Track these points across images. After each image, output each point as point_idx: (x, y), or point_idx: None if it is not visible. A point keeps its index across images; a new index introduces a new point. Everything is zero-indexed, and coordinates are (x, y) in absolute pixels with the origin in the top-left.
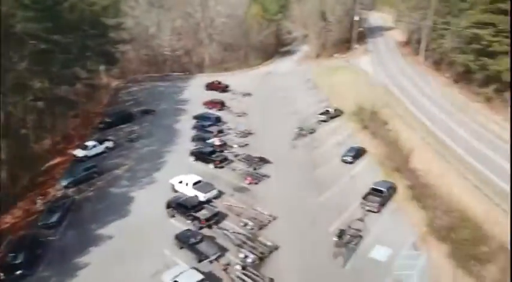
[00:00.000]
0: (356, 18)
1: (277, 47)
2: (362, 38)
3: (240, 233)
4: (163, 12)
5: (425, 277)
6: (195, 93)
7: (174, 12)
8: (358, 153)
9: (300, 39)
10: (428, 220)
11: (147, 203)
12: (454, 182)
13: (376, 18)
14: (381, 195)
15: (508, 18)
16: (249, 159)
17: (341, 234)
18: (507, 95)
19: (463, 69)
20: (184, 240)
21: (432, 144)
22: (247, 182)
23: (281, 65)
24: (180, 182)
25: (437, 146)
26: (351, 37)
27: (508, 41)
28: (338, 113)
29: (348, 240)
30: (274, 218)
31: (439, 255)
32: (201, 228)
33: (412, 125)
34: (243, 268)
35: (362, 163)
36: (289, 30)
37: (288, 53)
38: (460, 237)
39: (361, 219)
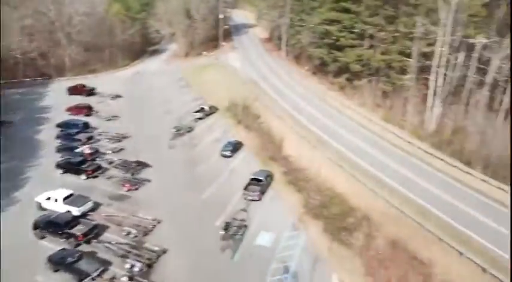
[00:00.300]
0: (221, 16)
1: (144, 46)
2: (228, 35)
3: (123, 243)
4: (9, 11)
5: (306, 253)
6: (56, 99)
7: (23, 10)
8: (235, 147)
9: (168, 37)
10: (303, 201)
11: (10, 227)
12: (322, 164)
13: (239, 16)
14: (260, 184)
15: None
16: (125, 165)
17: (227, 227)
18: (356, 82)
19: (319, 62)
20: (59, 262)
21: (300, 132)
22: (126, 189)
23: (150, 65)
24: (48, 199)
25: (304, 133)
26: (217, 35)
27: (352, 35)
28: (213, 110)
29: (234, 231)
30: (159, 222)
31: (316, 231)
32: (78, 245)
33: (281, 116)
34: (131, 278)
35: (240, 156)
36: (157, 29)
37: (157, 52)
38: (331, 212)
39: (244, 210)
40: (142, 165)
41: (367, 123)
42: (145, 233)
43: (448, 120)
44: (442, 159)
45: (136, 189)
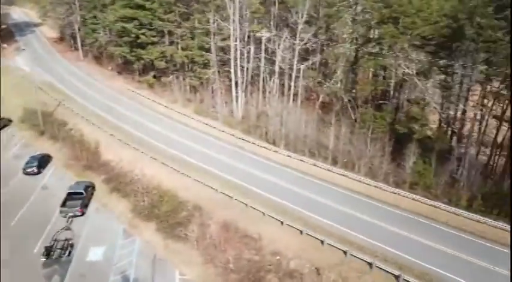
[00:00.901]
0: None
1: None
2: (10, 36)
3: None
4: None
5: (143, 257)
6: None
7: None
8: (41, 161)
9: None
10: (131, 206)
11: None
12: (145, 164)
13: (19, 13)
14: (80, 197)
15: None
16: None
17: (48, 251)
18: (164, 79)
19: (122, 60)
20: None
21: (116, 135)
22: None
23: None
24: None
25: (121, 135)
26: None
27: (151, 33)
28: (6, 123)
29: (58, 254)
30: None
31: (150, 233)
32: None
33: (92, 120)
34: None
35: (50, 171)
36: None
37: None
38: (163, 211)
39: (67, 228)
40: None
41: (182, 118)
42: None
43: (251, 107)
44: (253, 143)
45: None
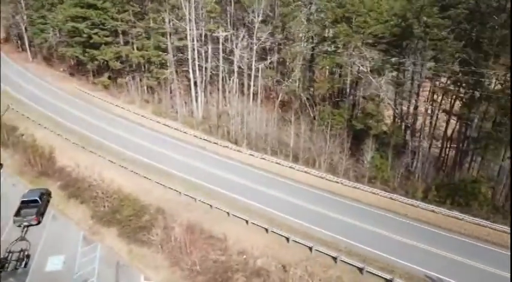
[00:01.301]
0: None
1: None
2: None
3: None
4: None
5: (106, 264)
6: None
7: None
8: None
9: None
10: (91, 212)
11: None
12: (104, 167)
13: None
14: (35, 205)
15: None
16: None
17: (3, 264)
18: (120, 80)
19: (75, 61)
20: None
21: (71, 138)
22: None
23: None
24: None
25: (77, 139)
26: None
27: (104, 32)
28: None
29: (14, 266)
30: None
31: (112, 239)
32: None
33: (44, 124)
34: None
35: (1, 179)
36: None
37: None
38: (124, 215)
39: (22, 238)
40: None
41: (140, 120)
42: None
43: (212, 107)
44: (214, 142)
45: None
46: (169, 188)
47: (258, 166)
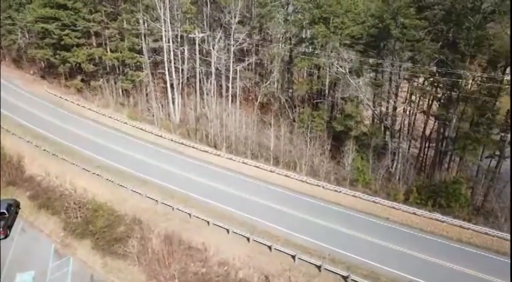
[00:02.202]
0: None
1: None
2: None
3: None
4: None
5: (79, 278)
6: None
7: None
8: None
9: None
10: (63, 223)
11: None
12: (77, 176)
13: None
14: (2, 218)
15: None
16: None
17: None
18: (94, 83)
19: (46, 64)
20: None
21: (42, 145)
22: None
23: None
24: None
25: (48, 146)
26: None
27: (76, 34)
28: None
29: None
30: None
31: (85, 252)
32: None
33: (13, 131)
34: None
35: None
36: None
37: None
38: (98, 227)
39: None
40: None
41: (115, 124)
42: None
43: (189, 110)
44: (193, 147)
45: None
46: (146, 196)
47: (238, 170)
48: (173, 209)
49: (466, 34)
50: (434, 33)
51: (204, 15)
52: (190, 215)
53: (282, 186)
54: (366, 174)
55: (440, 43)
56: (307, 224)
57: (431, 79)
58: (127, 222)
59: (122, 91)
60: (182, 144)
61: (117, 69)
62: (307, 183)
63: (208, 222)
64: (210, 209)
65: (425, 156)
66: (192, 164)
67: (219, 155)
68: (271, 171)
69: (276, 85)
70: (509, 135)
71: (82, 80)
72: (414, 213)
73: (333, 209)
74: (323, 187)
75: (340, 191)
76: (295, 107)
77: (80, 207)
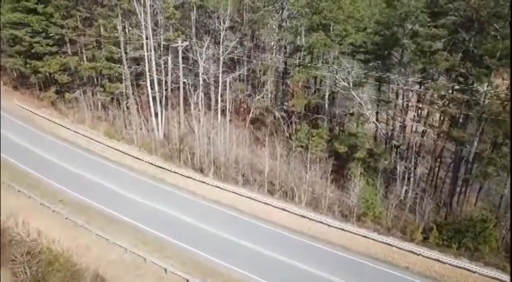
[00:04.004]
0: None
1: None
2: None
3: None
4: None
5: None
6: None
7: None
8: None
9: None
10: (8, 279)
11: None
12: (31, 213)
13: None
14: None
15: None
16: None
17: None
18: (69, 95)
19: (18, 73)
20: None
21: None
22: None
23: None
24: None
25: (3, 174)
26: None
27: (48, 41)
28: None
29: None
30: None
31: None
32: None
33: None
34: None
35: None
36: None
37: None
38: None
39: None
40: None
41: (89, 144)
42: None
43: (174, 126)
44: (175, 172)
45: None
46: (114, 242)
47: (228, 203)
48: (145, 260)
49: (492, 45)
50: (453, 43)
51: (191, 21)
52: (166, 271)
53: (280, 225)
54: (376, 208)
55: (460, 54)
56: (314, 278)
57: (449, 95)
58: (87, 279)
59: (100, 104)
60: (163, 168)
61: (94, 80)
62: (307, 218)
63: (187, 281)
64: (193, 262)
65: (437, 179)
66: (173, 196)
67: (204, 182)
68: (266, 203)
69: (269, 96)
70: None
71: (56, 92)
72: (438, 260)
73: (342, 256)
74: (327, 224)
75: (347, 230)
76: (291, 123)
77: (32, 257)
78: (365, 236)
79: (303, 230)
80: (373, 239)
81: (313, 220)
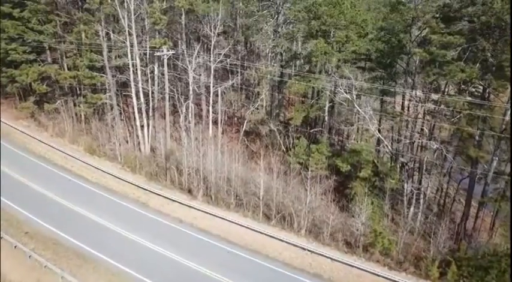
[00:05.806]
0: None
1: None
2: None
3: None
4: None
5: None
6: None
7: None
8: None
9: None
10: None
11: None
12: None
13: None
14: None
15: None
16: None
17: None
18: (48, 106)
19: None
20: None
21: None
22: None
23: None
24: None
25: None
26: None
27: (25, 48)
28: None
29: None
30: None
31: None
32: None
33: None
34: None
35: None
36: None
37: None
38: None
39: None
40: None
41: (67, 163)
42: None
43: (160, 141)
44: (160, 195)
45: None
46: None
47: (218, 234)
48: None
49: None
50: (471, 52)
51: (179, 26)
52: None
53: (278, 261)
54: (385, 239)
55: (478, 65)
56: None
57: (463, 108)
58: None
59: (81, 116)
60: (147, 190)
61: (75, 90)
62: (308, 250)
63: None
64: None
65: (446, 199)
66: (157, 224)
67: (192, 207)
68: (261, 233)
69: (264, 105)
70: None
71: (36, 102)
72: None
73: None
74: (331, 258)
75: (354, 265)
76: (288, 136)
77: None
78: (375, 274)
79: (304, 267)
80: (384, 277)
81: (315, 253)
